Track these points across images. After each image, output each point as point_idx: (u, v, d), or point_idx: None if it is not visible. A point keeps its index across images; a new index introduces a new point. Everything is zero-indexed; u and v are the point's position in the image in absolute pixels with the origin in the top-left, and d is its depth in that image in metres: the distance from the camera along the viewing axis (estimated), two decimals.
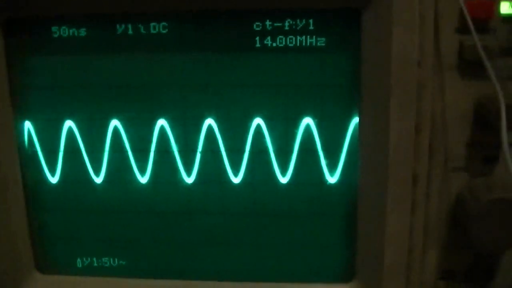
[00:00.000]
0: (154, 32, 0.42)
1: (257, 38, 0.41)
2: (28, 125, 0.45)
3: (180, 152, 0.44)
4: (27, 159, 0.45)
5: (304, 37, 0.41)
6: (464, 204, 0.39)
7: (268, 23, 0.41)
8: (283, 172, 0.43)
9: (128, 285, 0.46)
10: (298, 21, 0.41)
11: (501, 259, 0.42)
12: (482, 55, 0.36)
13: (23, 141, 0.45)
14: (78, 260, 0.47)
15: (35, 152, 0.45)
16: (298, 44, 0.41)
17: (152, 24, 0.42)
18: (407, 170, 0.40)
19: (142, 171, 0.44)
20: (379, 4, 0.38)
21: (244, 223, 0.45)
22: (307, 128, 0.42)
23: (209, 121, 0.43)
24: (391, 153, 0.39)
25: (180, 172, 0.44)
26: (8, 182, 0.45)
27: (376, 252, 0.41)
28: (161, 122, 0.43)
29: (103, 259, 0.47)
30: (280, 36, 0.41)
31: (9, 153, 0.45)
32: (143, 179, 0.45)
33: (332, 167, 0.43)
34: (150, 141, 0.44)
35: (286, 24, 0.41)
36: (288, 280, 0.45)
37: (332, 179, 0.43)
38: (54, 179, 0.46)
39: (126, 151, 0.44)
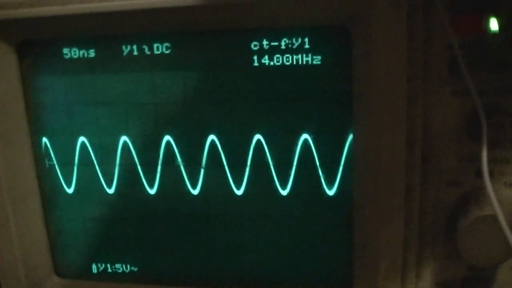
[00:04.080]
0: (158, 52, 0.46)
1: (255, 57, 0.45)
2: (45, 140, 0.50)
3: (185, 166, 0.47)
4: (45, 171, 0.50)
5: (300, 55, 0.44)
6: (455, 219, 0.42)
7: (265, 42, 0.44)
8: (283, 185, 0.47)
9: None
10: (294, 40, 0.44)
11: (496, 273, 0.44)
12: (464, 71, 0.39)
13: (41, 155, 0.50)
14: (93, 265, 0.52)
15: (52, 165, 0.50)
16: (294, 63, 0.44)
17: (155, 44, 0.46)
18: (399, 183, 0.42)
19: (150, 183, 0.49)
20: (367, 22, 0.41)
21: (246, 232, 0.48)
22: (305, 143, 0.45)
23: (212, 137, 0.47)
24: (383, 167, 0.42)
25: (186, 185, 0.48)
26: (27, 193, 0.50)
27: (372, 261, 0.44)
28: (167, 137, 0.47)
29: (116, 265, 0.52)
30: (277, 55, 0.45)
31: (27, 166, 0.50)
32: (152, 191, 0.49)
33: (330, 180, 0.46)
34: (157, 156, 0.48)
35: (283, 43, 0.44)
36: (291, 286, 0.49)
37: (330, 191, 0.46)
38: (70, 190, 0.50)
39: (135, 165, 0.48)
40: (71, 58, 0.47)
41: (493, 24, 0.40)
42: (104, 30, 0.45)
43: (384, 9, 0.40)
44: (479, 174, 0.42)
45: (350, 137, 0.44)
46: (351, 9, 0.41)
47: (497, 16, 0.40)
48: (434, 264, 0.45)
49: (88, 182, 0.50)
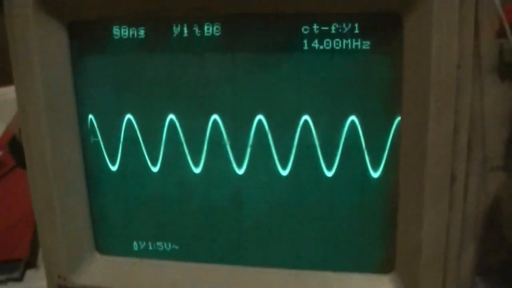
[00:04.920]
0: (208, 34, 0.47)
1: (305, 41, 0.46)
2: (91, 117, 0.51)
3: (231, 145, 0.49)
4: (90, 148, 0.52)
5: (349, 40, 0.45)
6: (500, 203, 0.44)
7: (315, 27, 0.46)
8: (329, 166, 0.48)
9: (180, 268, 0.52)
10: (344, 25, 0.45)
11: None
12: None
13: (87, 132, 0.51)
14: (135, 243, 0.54)
15: (97, 142, 0.51)
16: (344, 47, 0.46)
17: (206, 26, 0.47)
18: (445, 169, 0.44)
19: (196, 163, 0.50)
20: (419, 9, 0.42)
21: (290, 213, 0.50)
22: (352, 126, 0.47)
23: (259, 117, 0.48)
24: (429, 153, 0.44)
25: (231, 164, 0.49)
26: (71, 169, 0.51)
27: (415, 246, 0.46)
28: (214, 116, 0.49)
29: (157, 243, 0.53)
30: (327, 39, 0.46)
31: (73, 141, 0.51)
32: (197, 170, 0.50)
33: (375, 163, 0.47)
34: (204, 135, 0.49)
35: (333, 28, 0.45)
36: (330, 269, 0.50)
37: (375, 174, 0.47)
38: (114, 168, 0.52)
39: (182, 144, 0.50)
40: (121, 38, 0.48)
41: None
42: (154, 11, 0.46)
43: None
44: None
45: (397, 120, 0.45)
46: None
47: None
48: (476, 251, 0.46)
49: (133, 160, 0.51)
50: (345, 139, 0.47)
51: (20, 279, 0.69)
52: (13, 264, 0.70)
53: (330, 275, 0.50)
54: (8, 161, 0.86)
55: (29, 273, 0.70)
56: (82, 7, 0.47)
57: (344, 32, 0.45)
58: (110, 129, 0.51)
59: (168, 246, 0.53)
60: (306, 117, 0.47)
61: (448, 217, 0.45)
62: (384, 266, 0.49)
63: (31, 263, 0.71)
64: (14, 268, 0.70)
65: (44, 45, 0.48)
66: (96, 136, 0.51)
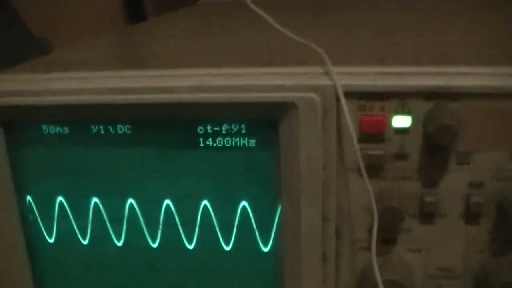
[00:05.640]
0: (121, 132, 0.56)
1: (201, 139, 0.55)
2: (28, 198, 0.60)
3: (146, 224, 0.58)
4: (30, 224, 0.61)
5: (238, 138, 0.54)
6: (366, 279, 0.53)
7: (209, 127, 0.54)
8: (226, 242, 0.57)
9: None
10: (233, 125, 0.54)
11: None
12: (360, 162, 0.49)
13: (26, 210, 0.61)
14: None
15: (35, 219, 0.61)
16: (233, 144, 0.54)
17: (119, 126, 0.56)
18: (316, 250, 0.53)
19: (118, 237, 0.59)
20: (288, 120, 0.51)
21: (196, 279, 0.59)
22: (243, 209, 0.56)
23: (167, 201, 0.57)
24: (303, 237, 0.53)
25: (147, 239, 0.59)
26: (14, 242, 0.61)
27: None
28: (130, 200, 0.58)
29: None
30: (219, 138, 0.55)
31: (14, 219, 0.60)
32: (119, 243, 0.60)
33: (265, 240, 0.56)
34: (123, 215, 0.58)
35: (224, 128, 0.54)
36: None
37: (265, 248, 0.57)
38: (51, 240, 0.61)
39: (105, 221, 0.59)
40: (49, 133, 0.57)
41: (396, 122, 0.50)
42: (75, 116, 0.55)
43: (303, 111, 0.50)
44: (386, 241, 0.53)
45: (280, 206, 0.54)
46: (277, 111, 0.51)
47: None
48: None
49: (66, 234, 0.60)
50: (239, 220, 0.56)
51: None
52: None
53: None
54: None
55: None
56: (15, 112, 0.56)
57: (233, 132, 0.54)
58: (46, 208, 0.60)
59: None
60: (205, 202, 0.56)
61: None
62: None
63: None
64: None
65: None
66: (34, 214, 0.60)
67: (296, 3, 1.02)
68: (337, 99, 0.50)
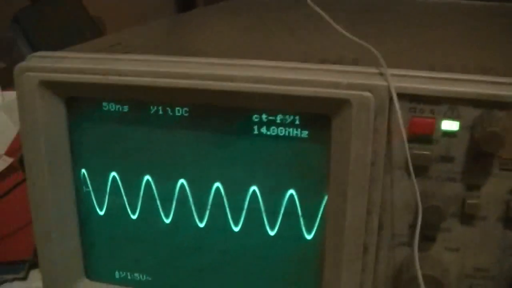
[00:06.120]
0: (178, 114, 0.59)
1: (255, 127, 0.58)
2: (83, 171, 0.64)
3: (195, 204, 0.61)
4: (83, 195, 0.64)
5: (291, 129, 0.57)
6: (402, 272, 0.56)
7: (264, 116, 0.57)
8: (272, 227, 0.60)
9: None
10: (287, 116, 0.57)
11: None
12: (409, 161, 0.52)
13: (80, 183, 0.64)
14: (116, 272, 0.67)
15: (88, 191, 0.64)
16: (286, 134, 0.57)
17: (177, 108, 0.59)
18: (358, 241, 0.56)
19: (167, 215, 0.63)
20: (342, 116, 0.53)
21: (239, 261, 0.62)
22: (291, 197, 0.59)
23: (217, 184, 0.60)
24: (346, 228, 0.56)
25: (194, 219, 0.62)
26: (68, 212, 0.64)
27: None
28: (182, 180, 0.61)
29: (134, 274, 0.66)
30: (273, 127, 0.57)
31: (69, 190, 0.64)
32: (167, 220, 0.63)
33: (309, 228, 0.59)
34: (173, 194, 0.62)
35: (278, 118, 0.57)
36: None
37: (308, 236, 0.59)
38: (101, 212, 0.64)
39: (155, 199, 0.62)
40: (108, 110, 0.60)
41: (445, 125, 0.53)
42: (136, 96, 0.58)
43: (357, 109, 0.53)
44: (425, 238, 0.56)
45: (326, 197, 0.57)
46: (332, 107, 0.54)
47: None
48: None
49: (116, 207, 0.63)
50: (285, 207, 0.59)
51: (24, 278, 0.82)
52: (19, 264, 0.83)
53: None
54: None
55: (33, 273, 0.83)
56: (77, 88, 0.59)
57: (287, 122, 0.57)
58: (99, 182, 0.63)
59: (143, 277, 0.66)
60: (254, 187, 0.59)
61: (360, 278, 0.57)
62: None
63: (35, 264, 0.82)
64: (20, 268, 0.82)
65: (46, 114, 0.60)
66: (88, 186, 0.64)
67: (353, 1, 1.04)
68: (390, 100, 0.52)
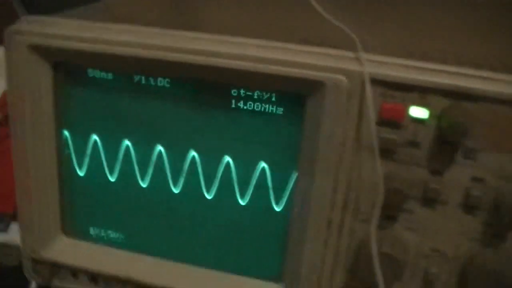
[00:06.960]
0: (160, 85, 0.62)
1: (233, 101, 0.60)
2: (65, 133, 0.66)
3: (170, 170, 0.64)
4: (64, 156, 0.67)
5: (267, 105, 0.59)
6: (363, 247, 0.59)
7: (242, 91, 0.60)
8: (243, 197, 0.63)
9: (123, 255, 0.69)
10: (264, 93, 0.59)
11: None
12: (375, 143, 0.55)
13: (62, 144, 0.66)
14: (91, 229, 0.70)
15: (69, 153, 0.67)
16: (262, 110, 0.60)
17: (159, 79, 0.61)
18: (323, 216, 0.59)
19: (143, 179, 0.65)
20: (315, 97, 0.56)
21: (210, 225, 0.65)
22: (263, 170, 0.61)
23: (193, 152, 0.63)
24: (312, 202, 0.58)
25: (170, 184, 0.65)
26: (49, 172, 0.67)
27: (297, 266, 0.61)
28: (159, 147, 0.64)
29: (108, 231, 0.69)
30: (250, 102, 0.60)
31: (50, 150, 0.66)
32: (144, 184, 0.66)
33: (278, 200, 0.62)
34: (150, 160, 0.64)
35: (255, 94, 0.60)
36: (236, 273, 0.66)
37: (277, 208, 0.62)
38: (81, 173, 0.67)
39: (133, 163, 0.65)
40: (93, 77, 0.63)
41: (414, 111, 0.56)
42: (120, 65, 0.61)
43: (330, 91, 0.55)
44: (388, 218, 0.59)
45: (295, 172, 0.60)
46: (307, 87, 0.56)
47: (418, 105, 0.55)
48: (345, 276, 0.62)
49: (96, 169, 0.66)
50: (257, 179, 0.62)
51: (4, 230, 0.85)
52: (1, 217, 0.86)
53: (236, 277, 0.66)
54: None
55: (14, 226, 0.86)
56: (64, 54, 0.61)
57: (264, 98, 0.59)
58: (80, 144, 0.66)
59: (116, 235, 0.69)
60: (228, 158, 0.62)
61: (323, 250, 0.60)
62: (276, 277, 0.65)
63: (16, 217, 0.85)
64: (1, 220, 0.85)
65: (32, 76, 0.62)
66: (69, 148, 0.66)
67: None
68: (363, 84, 0.54)
